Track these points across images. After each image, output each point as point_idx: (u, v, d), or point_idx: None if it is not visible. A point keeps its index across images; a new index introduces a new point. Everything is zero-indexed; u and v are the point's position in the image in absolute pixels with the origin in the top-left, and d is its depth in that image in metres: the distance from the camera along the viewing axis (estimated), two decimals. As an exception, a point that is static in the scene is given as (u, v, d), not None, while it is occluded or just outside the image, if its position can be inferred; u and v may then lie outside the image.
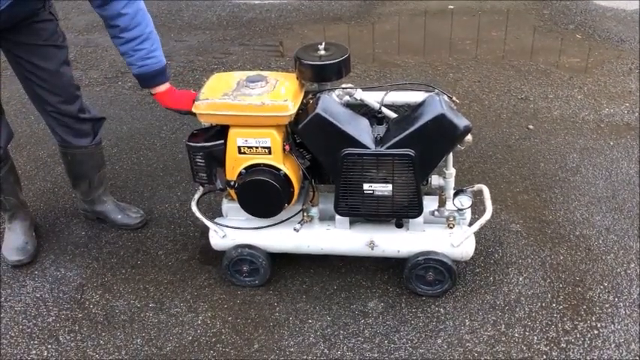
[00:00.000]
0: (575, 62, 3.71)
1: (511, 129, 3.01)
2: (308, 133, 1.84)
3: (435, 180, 2.00)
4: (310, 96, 1.92)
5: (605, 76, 3.51)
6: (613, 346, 1.81)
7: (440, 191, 2.02)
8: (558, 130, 2.98)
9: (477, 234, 2.03)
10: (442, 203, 2.01)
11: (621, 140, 2.88)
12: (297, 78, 1.92)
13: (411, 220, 1.99)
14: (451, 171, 1.96)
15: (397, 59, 3.84)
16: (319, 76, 1.89)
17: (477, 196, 2.15)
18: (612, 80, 3.45)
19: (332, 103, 1.87)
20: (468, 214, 2.04)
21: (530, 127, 3.02)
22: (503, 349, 1.81)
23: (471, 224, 2.01)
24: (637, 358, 1.76)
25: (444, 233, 1.99)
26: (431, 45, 4.03)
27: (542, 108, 3.19)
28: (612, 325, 1.88)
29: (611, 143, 2.86)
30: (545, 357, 1.78)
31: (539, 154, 2.79)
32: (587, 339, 1.84)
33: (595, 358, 1.77)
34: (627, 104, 3.19)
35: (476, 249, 2.01)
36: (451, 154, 1.92)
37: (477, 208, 2.23)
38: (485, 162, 2.75)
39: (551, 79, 3.49)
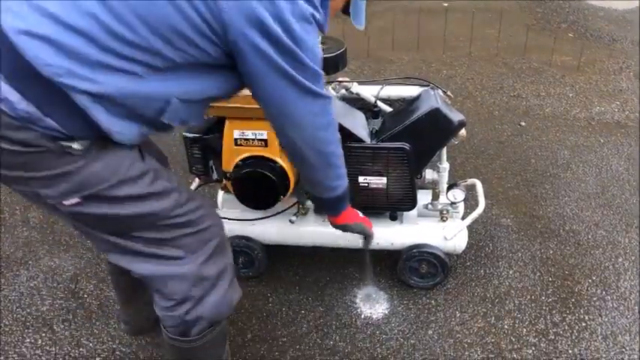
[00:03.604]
0: (567, 61, 3.76)
1: (503, 126, 3.04)
2: (304, 126, 1.85)
3: (428, 174, 2.03)
4: (306, 89, 1.93)
5: (596, 74, 3.55)
6: (600, 338, 1.85)
7: (433, 185, 2.05)
8: (550, 127, 3.02)
9: (469, 228, 2.06)
10: (436, 197, 2.04)
11: (611, 138, 2.92)
12: (294, 71, 1.93)
13: (404, 213, 2.01)
14: (445, 165, 1.99)
15: (391, 55, 3.87)
16: (315, 69, 1.90)
17: (470, 191, 2.18)
18: (603, 79, 3.50)
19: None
20: (461, 208, 2.07)
21: (522, 124, 3.06)
22: (492, 340, 1.85)
23: (463, 218, 2.04)
24: (623, 349, 1.80)
25: (438, 226, 2.01)
26: (425, 42, 4.05)
27: (534, 105, 3.23)
28: (600, 318, 1.92)
29: (602, 140, 2.90)
30: (533, 348, 1.82)
31: (530, 151, 2.83)
32: (575, 331, 1.87)
33: (582, 349, 1.81)
34: (618, 102, 3.24)
35: (467, 243, 2.03)
36: (445, 148, 1.94)
37: (469, 203, 2.26)
38: (477, 158, 2.79)
39: (544, 77, 3.53)
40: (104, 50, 1.03)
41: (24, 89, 1.01)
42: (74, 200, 1.15)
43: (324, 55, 1.86)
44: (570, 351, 1.80)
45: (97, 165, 1.13)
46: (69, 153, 1.09)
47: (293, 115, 1.21)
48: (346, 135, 1.82)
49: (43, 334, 1.91)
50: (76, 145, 1.09)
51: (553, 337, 1.85)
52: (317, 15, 1.15)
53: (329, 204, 1.48)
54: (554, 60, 3.75)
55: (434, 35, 4.16)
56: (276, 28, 1.08)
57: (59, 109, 1.04)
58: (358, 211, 1.64)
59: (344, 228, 1.58)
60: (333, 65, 1.90)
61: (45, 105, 1.03)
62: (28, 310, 2.01)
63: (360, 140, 1.82)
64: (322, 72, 1.22)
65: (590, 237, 2.27)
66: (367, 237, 1.69)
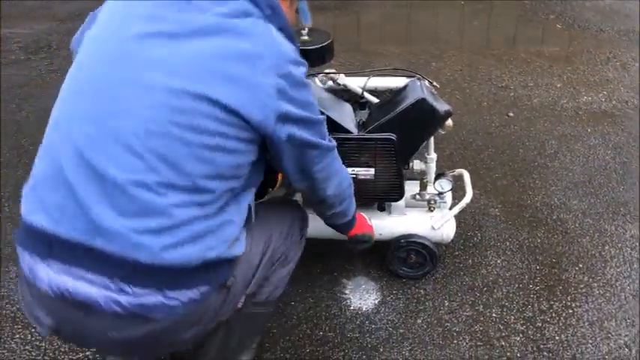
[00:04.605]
0: (555, 51, 3.78)
1: (491, 116, 3.06)
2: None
3: (417, 165, 2.03)
4: (293, 81, 1.93)
5: (584, 64, 3.57)
6: (587, 324, 1.87)
7: (421, 175, 2.05)
8: (538, 118, 3.04)
9: (457, 218, 2.07)
10: (423, 187, 2.05)
11: (598, 127, 2.94)
12: (281, 63, 1.93)
13: (393, 203, 2.02)
14: (432, 156, 1.99)
15: (381, 48, 3.87)
16: (302, 61, 1.90)
17: (458, 181, 2.18)
18: (591, 69, 3.52)
19: (315, 88, 1.89)
20: (449, 198, 2.08)
21: (511, 114, 3.07)
22: (481, 328, 1.86)
23: (451, 208, 2.05)
24: (609, 335, 1.82)
25: (425, 216, 2.02)
26: (414, 34, 4.06)
27: (523, 96, 3.24)
28: (586, 305, 1.94)
29: (589, 130, 2.92)
30: (521, 335, 1.83)
31: (518, 141, 2.85)
32: (562, 318, 1.89)
33: (569, 335, 1.83)
34: (605, 92, 3.26)
35: (456, 233, 2.04)
36: (432, 139, 1.95)
37: (458, 193, 2.27)
38: (465, 149, 2.80)
39: (532, 68, 3.55)
40: (206, 217, 1.14)
41: (187, 285, 1.13)
42: (243, 299, 1.36)
43: (310, 47, 1.88)
44: (557, 337, 1.83)
45: (239, 266, 1.27)
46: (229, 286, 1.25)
47: (318, 172, 1.35)
48: (333, 126, 1.83)
49: (33, 330, 1.91)
50: (232, 279, 1.25)
51: (540, 325, 1.87)
52: (305, 69, 1.23)
53: (345, 225, 1.63)
54: (542, 51, 3.77)
55: (424, 28, 4.18)
56: (292, 109, 1.19)
57: (215, 277, 1.19)
58: (365, 217, 1.75)
59: (354, 239, 1.70)
60: (320, 57, 1.90)
61: (214, 282, 1.19)
62: (18, 307, 2.00)
63: (347, 131, 1.82)
64: (323, 117, 1.32)
65: (577, 225, 2.30)
66: (368, 241, 1.74)
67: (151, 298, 1.08)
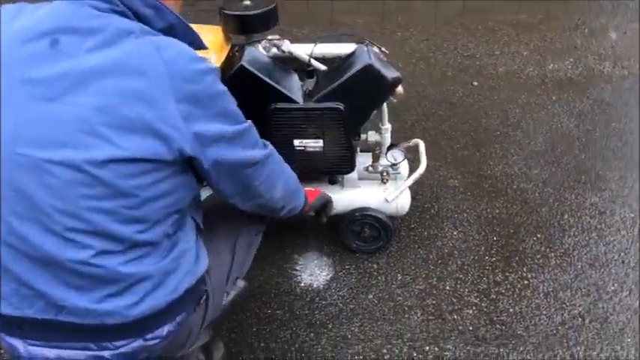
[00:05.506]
0: (523, 19, 3.69)
1: (455, 86, 2.98)
2: (233, 87, 1.72)
3: (371, 136, 1.96)
4: (236, 48, 1.84)
5: (551, 31, 3.50)
6: (541, 295, 1.83)
7: (375, 147, 1.98)
8: (502, 86, 2.97)
9: (414, 190, 2.01)
10: (376, 159, 1.98)
11: (563, 95, 2.89)
12: (223, 30, 1.83)
13: (345, 176, 1.95)
14: (387, 126, 1.92)
15: (347, 19, 3.75)
16: (243, 27, 1.79)
17: (414, 152, 2.12)
18: (558, 36, 3.45)
19: (258, 55, 1.79)
20: (404, 169, 2.01)
21: (475, 83, 3.00)
22: (433, 302, 1.82)
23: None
24: (564, 305, 1.79)
25: (379, 189, 1.96)
26: (381, 5, 3.95)
27: (488, 65, 3.17)
28: (542, 275, 1.90)
29: (554, 98, 2.87)
30: (474, 308, 1.79)
31: (481, 110, 2.78)
32: (516, 289, 1.85)
33: (523, 307, 1.79)
34: (571, 59, 3.20)
35: (412, 205, 1.99)
36: (385, 108, 1.87)
37: (415, 164, 2.21)
38: (427, 119, 2.73)
39: (499, 36, 3.47)
40: (159, 262, 1.09)
41: (163, 323, 1.13)
42: (226, 297, 1.38)
43: (253, 12, 1.78)
44: (511, 309, 1.79)
45: (210, 277, 1.25)
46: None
47: (261, 184, 1.21)
48: (278, 96, 1.74)
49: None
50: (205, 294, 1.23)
51: (495, 297, 1.83)
52: (211, 69, 1.06)
53: (299, 210, 1.48)
54: (509, 19, 3.69)
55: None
56: (206, 128, 1.02)
57: (188, 303, 1.18)
58: (306, 188, 1.60)
59: (312, 209, 1.59)
60: (263, 22, 1.80)
61: (188, 307, 1.18)
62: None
63: (293, 101, 1.74)
64: (248, 122, 1.16)
65: (537, 195, 2.25)
66: (328, 203, 1.66)
67: (132, 345, 1.09)
